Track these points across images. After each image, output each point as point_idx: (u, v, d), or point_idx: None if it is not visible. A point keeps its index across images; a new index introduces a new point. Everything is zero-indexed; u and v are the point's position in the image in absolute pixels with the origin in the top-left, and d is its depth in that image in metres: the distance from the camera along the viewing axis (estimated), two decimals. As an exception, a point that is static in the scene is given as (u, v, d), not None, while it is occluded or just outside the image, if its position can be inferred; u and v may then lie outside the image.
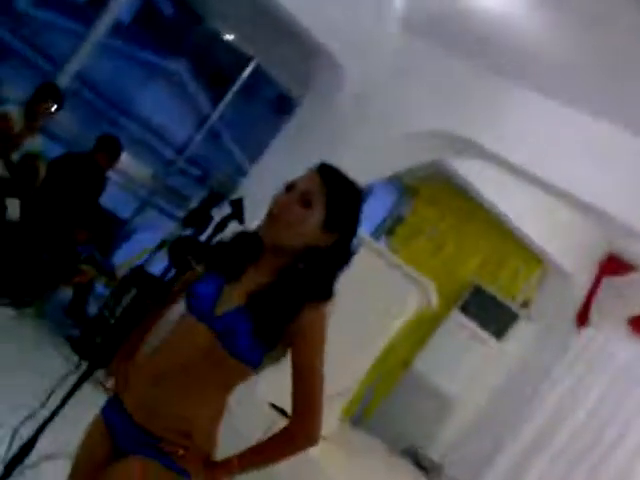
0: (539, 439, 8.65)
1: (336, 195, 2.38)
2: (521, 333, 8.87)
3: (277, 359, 2.38)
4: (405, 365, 8.92)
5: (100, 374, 5.34)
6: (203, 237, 2.47)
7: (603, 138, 5.87)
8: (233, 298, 2.36)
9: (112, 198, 7.55)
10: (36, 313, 6.42)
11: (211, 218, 2.46)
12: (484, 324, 8.74)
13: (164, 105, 14.93)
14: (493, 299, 8.84)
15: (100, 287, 7.18)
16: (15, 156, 6.50)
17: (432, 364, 8.72)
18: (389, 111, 6.70)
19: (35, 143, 6.64)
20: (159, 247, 5.94)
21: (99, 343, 3.55)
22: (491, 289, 8.93)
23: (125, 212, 8.30)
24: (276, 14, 6.32)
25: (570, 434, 8.62)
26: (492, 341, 8.74)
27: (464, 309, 8.86)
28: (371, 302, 6.38)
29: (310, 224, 2.35)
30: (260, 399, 5.86)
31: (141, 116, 14.07)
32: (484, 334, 8.74)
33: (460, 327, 8.78)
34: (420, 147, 6.82)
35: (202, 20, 14.40)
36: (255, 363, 2.34)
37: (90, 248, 6.79)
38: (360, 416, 8.73)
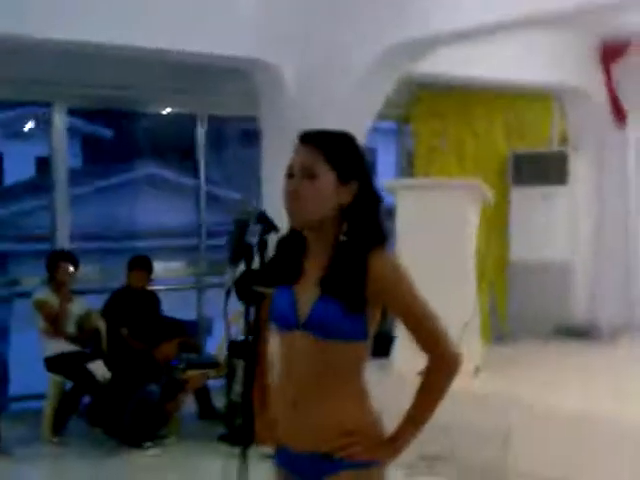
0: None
1: (331, 150, 2.40)
2: (578, 166, 8.79)
3: (378, 320, 2.41)
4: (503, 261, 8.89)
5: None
6: (256, 264, 2.50)
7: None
8: (308, 294, 2.40)
9: (172, 306, 7.65)
10: (176, 436, 6.53)
11: (249, 244, 2.49)
12: (544, 181, 8.66)
13: (159, 209, 15.14)
14: (535, 156, 8.78)
15: (214, 382, 7.25)
16: (71, 328, 6.68)
17: (525, 245, 8.64)
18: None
19: (78, 306, 6.79)
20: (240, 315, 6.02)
21: (242, 424, 3.59)
22: (527, 149, 8.86)
23: (190, 311, 8.40)
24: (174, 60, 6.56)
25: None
26: (561, 189, 8.66)
27: (517, 181, 8.78)
28: (440, 233, 6.36)
29: (326, 188, 2.38)
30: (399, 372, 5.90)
31: (148, 230, 14.28)
32: (550, 189, 8.66)
33: (526, 198, 8.71)
34: (379, 77, 6.82)
35: (135, 114, 14.67)
36: (363, 335, 2.39)
37: (181, 357, 6.88)
38: (499, 332, 8.69)
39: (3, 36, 5.75)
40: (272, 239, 2.51)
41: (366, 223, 2.41)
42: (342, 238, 2.40)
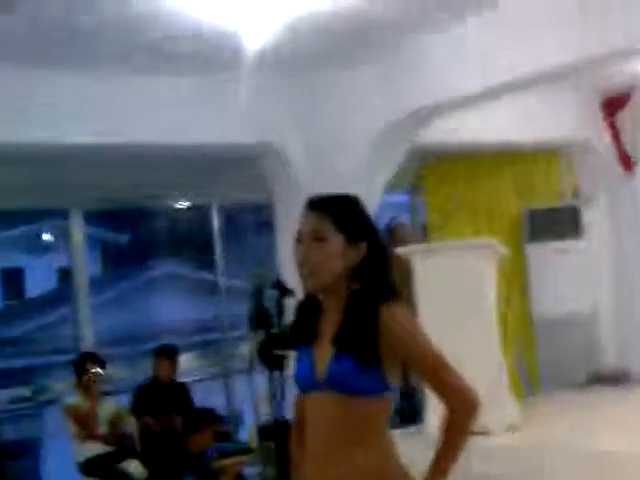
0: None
1: (338, 213, 2.48)
2: (592, 217, 8.84)
3: (396, 374, 2.45)
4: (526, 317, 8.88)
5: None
6: (275, 328, 2.55)
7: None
8: (324, 353, 2.45)
9: (201, 397, 7.65)
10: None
11: (267, 310, 2.55)
12: (559, 235, 8.69)
13: (180, 306, 15.24)
14: (548, 210, 8.82)
15: (249, 468, 7.19)
16: (103, 429, 6.67)
17: (547, 300, 8.63)
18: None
19: (108, 407, 6.80)
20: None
21: None
22: (539, 205, 8.90)
23: (218, 401, 8.39)
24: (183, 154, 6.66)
25: None
26: (576, 243, 8.68)
27: (532, 236, 8.81)
28: (459, 294, 6.38)
29: (335, 251, 2.45)
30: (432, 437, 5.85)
31: (170, 328, 14.33)
32: (565, 244, 8.67)
33: (543, 253, 8.73)
34: (386, 150, 6.93)
35: (150, 214, 14.86)
36: (382, 388, 2.42)
37: (214, 446, 6.85)
38: (530, 388, 8.63)
39: (10, 144, 5.88)
40: (288, 303, 2.55)
41: (375, 279, 2.47)
42: (353, 293, 2.45)
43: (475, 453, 5.88)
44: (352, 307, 2.44)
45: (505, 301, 7.79)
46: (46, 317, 16.44)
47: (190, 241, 14.67)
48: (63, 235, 8.97)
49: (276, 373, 2.53)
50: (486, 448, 6.06)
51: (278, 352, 2.50)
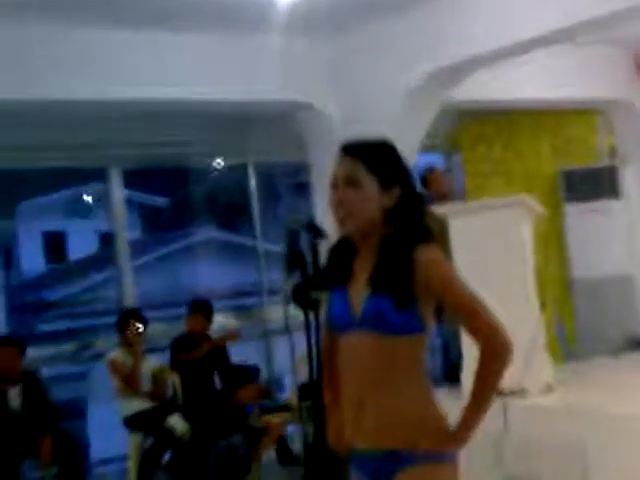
0: None
1: (372, 158, 2.55)
2: (630, 178, 8.80)
3: (431, 314, 2.53)
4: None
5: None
6: (309, 270, 2.64)
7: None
8: (360, 293, 2.53)
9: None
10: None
11: (302, 252, 2.63)
12: (597, 196, 8.68)
13: (219, 271, 15.35)
14: (585, 171, 8.81)
15: (290, 427, 7.31)
16: (146, 386, 6.82)
17: (585, 262, 8.63)
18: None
19: (150, 363, 6.95)
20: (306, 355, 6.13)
21: (320, 461, 3.64)
22: (576, 164, 8.89)
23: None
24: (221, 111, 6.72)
25: None
26: (614, 204, 8.67)
27: (569, 197, 8.81)
28: (495, 253, 6.39)
29: (371, 196, 2.53)
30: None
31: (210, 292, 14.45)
32: (604, 203, 8.67)
33: (580, 214, 8.72)
34: (420, 105, 6.95)
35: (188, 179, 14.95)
36: (418, 328, 2.50)
37: (256, 404, 6.97)
38: (568, 351, 8.66)
39: (46, 102, 5.98)
40: (323, 245, 2.63)
41: (409, 222, 2.55)
42: (387, 235, 2.53)
43: (512, 412, 6.01)
44: (387, 249, 2.51)
45: (544, 262, 7.78)
46: (88, 280, 16.71)
47: (228, 204, 14.77)
48: (103, 198, 9.09)
49: (311, 317, 2.60)
50: (522, 408, 6.13)
51: (313, 294, 2.58)
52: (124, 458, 7.08)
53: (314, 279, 2.58)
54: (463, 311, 2.52)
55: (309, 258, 2.60)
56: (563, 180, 8.92)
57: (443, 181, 7.09)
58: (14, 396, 6.18)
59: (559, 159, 9.10)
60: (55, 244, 19.18)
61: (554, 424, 5.84)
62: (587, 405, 6.07)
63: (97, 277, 16.35)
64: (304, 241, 2.70)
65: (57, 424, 6.32)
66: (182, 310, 7.38)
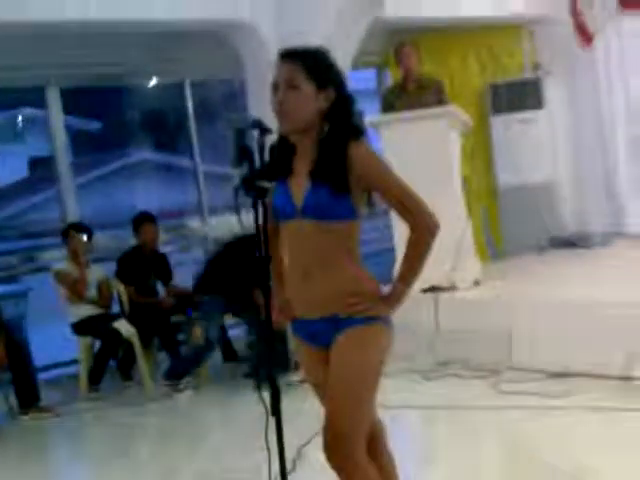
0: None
1: (308, 62, 2.83)
2: (553, 89, 9.21)
3: (363, 202, 2.84)
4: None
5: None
6: (256, 163, 2.91)
7: None
8: (301, 186, 2.85)
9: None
10: (205, 380, 6.96)
11: (249, 147, 2.89)
12: (521, 107, 9.07)
13: (157, 193, 15.39)
14: (511, 84, 9.19)
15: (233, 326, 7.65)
16: (92, 293, 7.08)
17: (510, 170, 9.07)
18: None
19: (95, 273, 7.19)
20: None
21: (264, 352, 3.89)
22: (502, 78, 9.26)
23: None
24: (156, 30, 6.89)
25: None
26: (538, 114, 9.07)
27: (496, 109, 9.19)
28: (425, 161, 6.73)
29: (308, 96, 2.81)
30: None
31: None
32: (528, 114, 9.06)
33: (506, 125, 9.12)
34: (351, 22, 7.20)
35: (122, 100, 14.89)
36: (352, 213, 2.82)
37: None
38: (495, 251, 9.15)
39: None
40: (268, 141, 2.92)
41: (343, 120, 2.84)
42: (324, 133, 2.82)
43: (442, 305, 6.45)
44: (324, 145, 2.82)
45: (471, 169, 8.18)
46: (21, 204, 16.62)
47: (165, 125, 14.80)
48: (37, 122, 9.14)
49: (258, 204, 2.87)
50: (452, 300, 6.58)
51: (260, 183, 2.86)
52: (67, 364, 7.53)
53: (261, 170, 2.86)
54: (393, 195, 2.82)
55: (256, 153, 2.86)
56: (490, 93, 9.29)
57: (412, 56, 7.34)
58: (-35, 304, 6.39)
59: (486, 74, 9.45)
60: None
61: (481, 314, 6.30)
62: (511, 295, 6.53)
63: (31, 200, 16.29)
64: (250, 138, 2.95)
65: (6, 330, 6.53)
66: (121, 231, 7.54)
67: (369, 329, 2.82)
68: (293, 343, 3.18)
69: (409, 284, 2.86)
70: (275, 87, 2.84)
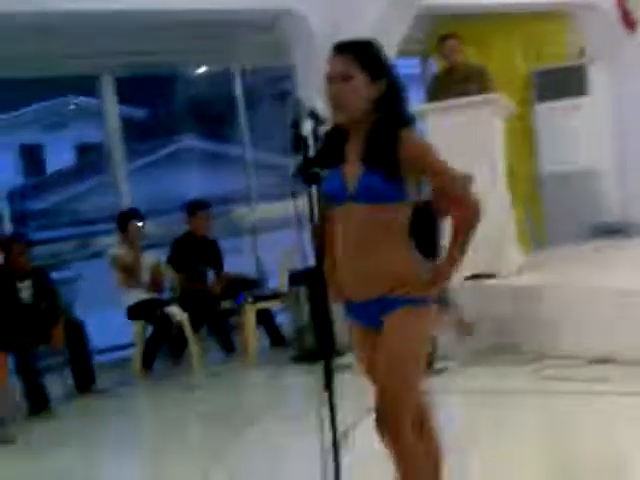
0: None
1: (362, 55, 2.98)
2: (597, 76, 9.24)
3: (414, 186, 2.98)
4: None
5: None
6: (311, 152, 3.08)
7: None
8: (353, 171, 2.98)
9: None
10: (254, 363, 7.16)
11: (304, 136, 3.06)
12: (566, 93, 9.09)
13: (207, 179, 15.55)
14: (555, 71, 9.21)
15: (281, 315, 7.85)
16: (145, 278, 7.30)
17: (555, 157, 9.11)
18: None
19: (149, 258, 7.41)
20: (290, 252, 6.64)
21: (320, 338, 4.01)
22: (547, 65, 9.30)
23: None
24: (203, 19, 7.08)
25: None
26: (583, 101, 9.10)
27: (541, 96, 9.23)
28: (469, 149, 6.79)
29: (361, 87, 2.96)
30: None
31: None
32: (573, 101, 9.09)
33: (551, 112, 9.15)
34: (396, 13, 7.30)
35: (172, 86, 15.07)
36: (403, 196, 2.96)
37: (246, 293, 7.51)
38: (537, 242, 9.20)
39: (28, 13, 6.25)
40: (322, 131, 3.08)
41: (394, 110, 2.99)
42: (376, 121, 2.96)
43: (486, 292, 6.55)
44: (376, 132, 2.96)
45: (515, 157, 8.24)
46: (69, 191, 16.90)
47: (213, 113, 14.97)
48: (84, 111, 9.32)
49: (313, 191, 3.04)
50: (495, 287, 6.68)
51: (314, 170, 3.03)
52: (123, 348, 7.72)
53: (314, 158, 3.03)
54: (441, 180, 2.99)
55: (311, 142, 3.03)
56: (534, 80, 9.32)
57: (457, 50, 7.42)
58: (26, 289, 6.63)
59: (531, 60, 9.48)
60: (32, 156, 19.20)
61: (524, 301, 6.40)
62: (553, 283, 6.61)
63: (77, 188, 16.56)
64: (306, 128, 3.12)
65: (66, 313, 6.78)
66: (170, 217, 7.69)
67: (416, 310, 2.97)
68: (341, 326, 3.33)
69: (455, 265, 3.01)
70: (330, 79, 2.98)
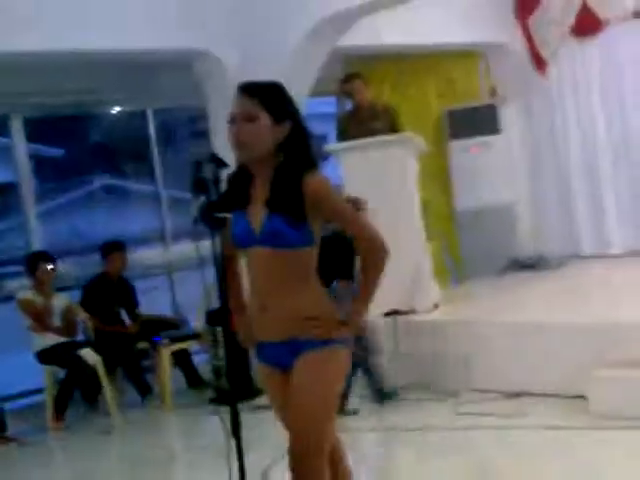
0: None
1: (265, 96, 2.97)
2: (509, 115, 9.45)
3: (319, 229, 2.98)
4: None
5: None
6: (213, 195, 3.05)
7: None
8: (258, 215, 2.97)
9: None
10: (170, 404, 7.03)
11: (205, 179, 3.03)
12: (479, 131, 9.26)
13: (120, 219, 15.38)
14: (468, 110, 9.37)
15: (198, 356, 7.73)
16: (57, 322, 7.13)
17: (468, 194, 9.25)
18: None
19: (60, 301, 7.23)
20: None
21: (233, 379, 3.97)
22: (459, 105, 9.46)
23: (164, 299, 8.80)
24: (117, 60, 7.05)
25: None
26: (495, 139, 9.27)
27: (454, 135, 9.38)
28: (382, 188, 6.88)
29: (264, 128, 2.94)
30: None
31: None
32: (485, 139, 9.27)
33: (462, 150, 9.31)
34: (310, 52, 7.36)
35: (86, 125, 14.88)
36: (309, 241, 2.96)
37: (163, 334, 7.37)
38: (455, 276, 9.31)
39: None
40: (224, 174, 3.06)
41: (299, 152, 2.98)
42: (280, 164, 2.95)
43: (401, 329, 6.58)
44: (279, 175, 2.95)
45: (430, 194, 8.34)
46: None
47: (127, 152, 14.85)
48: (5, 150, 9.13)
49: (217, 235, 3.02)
50: (411, 324, 6.71)
51: (218, 214, 3.00)
52: (35, 392, 7.47)
53: (218, 201, 3.00)
54: (346, 221, 2.99)
55: (212, 184, 3.01)
56: (447, 119, 9.47)
57: (362, 91, 7.46)
58: None
59: (444, 100, 9.63)
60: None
61: (439, 337, 6.44)
62: (470, 317, 6.67)
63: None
64: (207, 171, 3.09)
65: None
66: (85, 258, 7.56)
67: (328, 351, 2.95)
68: (256, 368, 3.31)
69: (365, 306, 3.01)
70: (233, 119, 2.96)
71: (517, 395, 5.80)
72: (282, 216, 2.89)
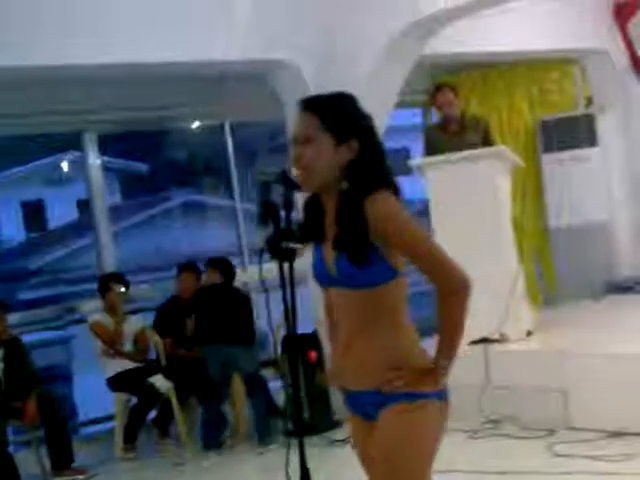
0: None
1: (326, 113, 2.54)
2: (606, 125, 8.84)
3: (400, 258, 2.54)
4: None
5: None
6: (283, 222, 2.63)
7: None
8: (330, 254, 2.57)
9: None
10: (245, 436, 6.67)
11: (275, 204, 2.61)
12: (573, 144, 8.71)
13: (199, 234, 15.32)
14: (562, 120, 8.82)
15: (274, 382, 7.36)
16: (128, 347, 6.85)
17: (562, 209, 8.69)
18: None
19: (132, 325, 6.96)
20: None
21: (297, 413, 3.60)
22: (553, 114, 8.91)
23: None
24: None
25: None
26: (592, 151, 8.71)
27: (547, 147, 8.84)
28: (473, 203, 6.43)
29: (325, 150, 2.51)
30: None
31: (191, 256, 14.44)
32: (580, 152, 8.70)
33: (557, 163, 8.76)
34: (395, 61, 6.94)
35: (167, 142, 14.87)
36: (389, 276, 2.52)
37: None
38: (547, 296, 8.77)
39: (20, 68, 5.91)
40: (296, 197, 2.63)
41: (365, 175, 2.52)
42: (342, 193, 2.53)
43: (493, 358, 6.10)
44: (343, 205, 2.52)
45: (521, 211, 7.86)
46: (68, 247, 16.69)
47: (206, 167, 14.77)
48: (80, 166, 9.04)
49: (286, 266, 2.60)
50: (503, 353, 6.21)
51: (287, 245, 2.58)
52: (111, 418, 7.12)
53: (287, 231, 2.58)
54: (417, 255, 2.51)
55: (282, 209, 2.58)
56: (540, 130, 8.94)
57: (451, 103, 6.98)
58: (-3, 361, 6.20)
59: (535, 110, 9.12)
60: (34, 213, 19.12)
61: (534, 367, 5.94)
62: (566, 346, 6.15)
63: (78, 244, 16.36)
64: (277, 193, 2.68)
65: (40, 386, 6.33)
66: (162, 274, 7.35)
67: (415, 406, 2.53)
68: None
69: (451, 355, 2.55)
70: (294, 140, 2.57)
71: (619, 434, 5.25)
72: (346, 256, 2.50)
